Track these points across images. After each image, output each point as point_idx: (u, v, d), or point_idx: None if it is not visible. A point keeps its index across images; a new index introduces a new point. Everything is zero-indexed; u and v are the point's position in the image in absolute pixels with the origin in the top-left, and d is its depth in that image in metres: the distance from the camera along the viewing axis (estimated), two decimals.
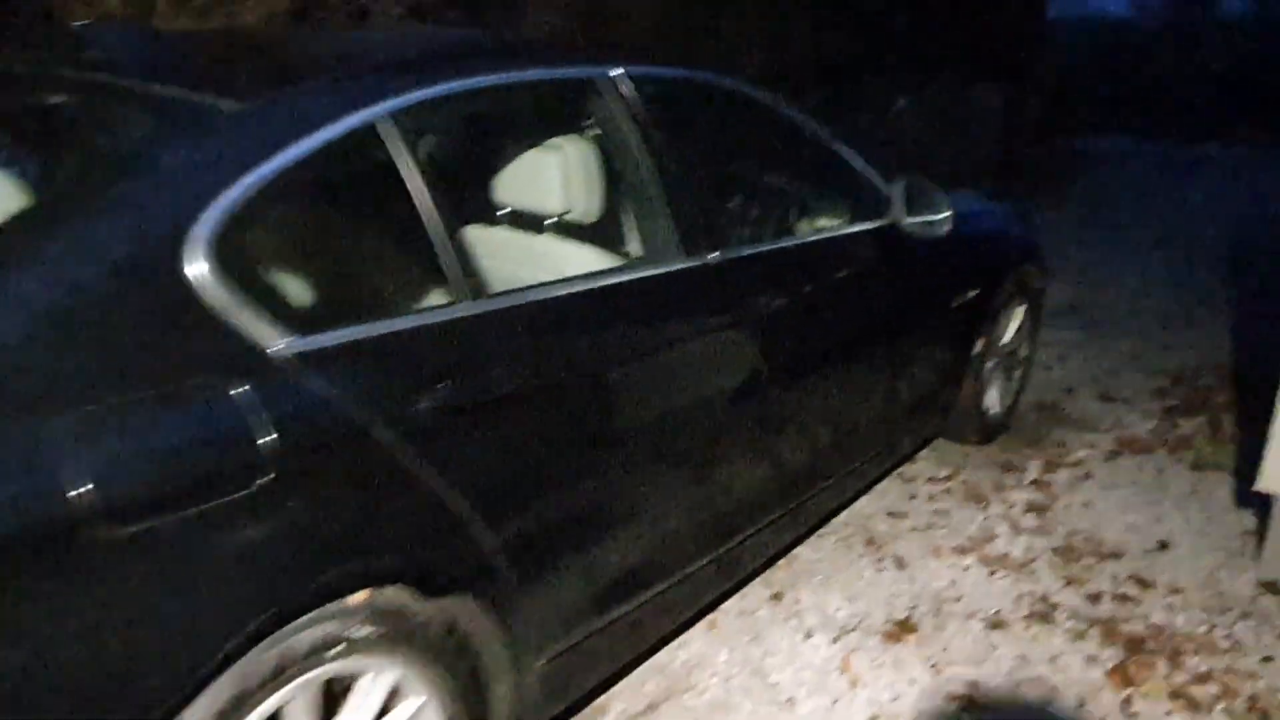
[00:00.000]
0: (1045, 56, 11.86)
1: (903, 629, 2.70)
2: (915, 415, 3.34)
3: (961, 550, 3.10)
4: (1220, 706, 2.43)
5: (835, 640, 2.66)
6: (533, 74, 2.08)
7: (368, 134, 1.67)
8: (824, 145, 2.81)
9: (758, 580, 2.89)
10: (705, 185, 2.36)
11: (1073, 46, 15.93)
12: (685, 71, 2.45)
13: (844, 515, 3.29)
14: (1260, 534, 3.07)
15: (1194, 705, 2.44)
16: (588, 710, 2.36)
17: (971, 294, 3.37)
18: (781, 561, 3.00)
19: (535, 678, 1.92)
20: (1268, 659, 2.60)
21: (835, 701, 2.43)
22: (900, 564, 3.02)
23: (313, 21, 4.27)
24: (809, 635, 2.68)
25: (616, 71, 2.20)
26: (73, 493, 1.24)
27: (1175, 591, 2.89)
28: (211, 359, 1.41)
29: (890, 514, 3.33)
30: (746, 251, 2.43)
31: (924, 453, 3.75)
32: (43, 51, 2.07)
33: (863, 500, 3.39)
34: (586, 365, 1.96)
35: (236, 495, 1.39)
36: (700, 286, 2.25)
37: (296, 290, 1.64)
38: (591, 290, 2.00)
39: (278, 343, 1.47)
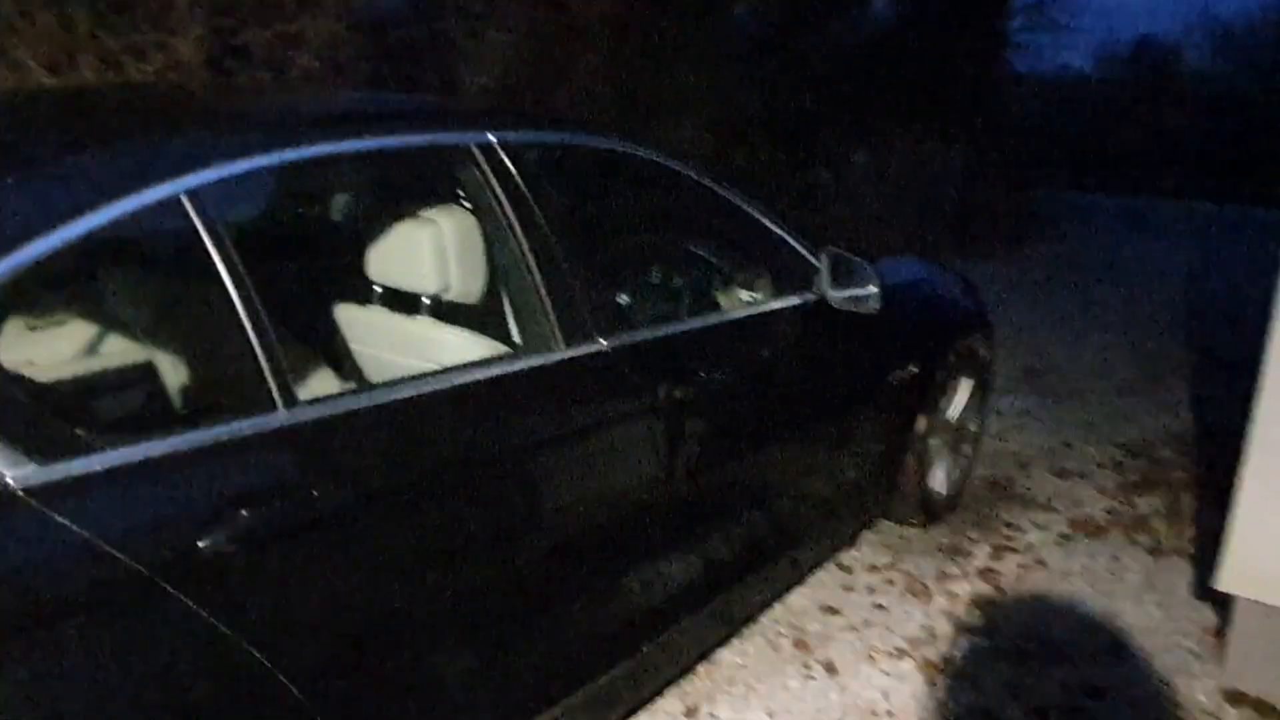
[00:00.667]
0: (1006, 112, 11.87)
1: None
2: (851, 500, 3.10)
3: (899, 653, 2.83)
4: None
5: None
6: (390, 141, 1.83)
7: (166, 212, 1.42)
8: (743, 214, 2.58)
9: (671, 691, 2.60)
10: (596, 264, 2.12)
11: (1036, 102, 16.07)
12: (573, 136, 2.22)
13: (777, 609, 3.02)
14: (1221, 634, 2.83)
15: None
16: None
17: (911, 368, 3.14)
18: (701, 667, 2.71)
19: None
20: None
21: None
22: (831, 669, 2.75)
23: (222, 74, 4.04)
24: None
25: (487, 138, 1.96)
26: None
27: (1131, 704, 2.63)
28: None
29: (824, 609, 3.06)
30: (644, 336, 2.19)
31: (867, 535, 3.49)
32: None
33: (797, 593, 3.12)
34: (435, 476, 1.69)
35: None
36: (584, 377, 2.00)
37: (44, 404, 1.37)
38: (441, 391, 1.73)
39: (12, 472, 1.20)
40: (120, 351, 1.61)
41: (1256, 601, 2.60)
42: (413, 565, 1.65)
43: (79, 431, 1.27)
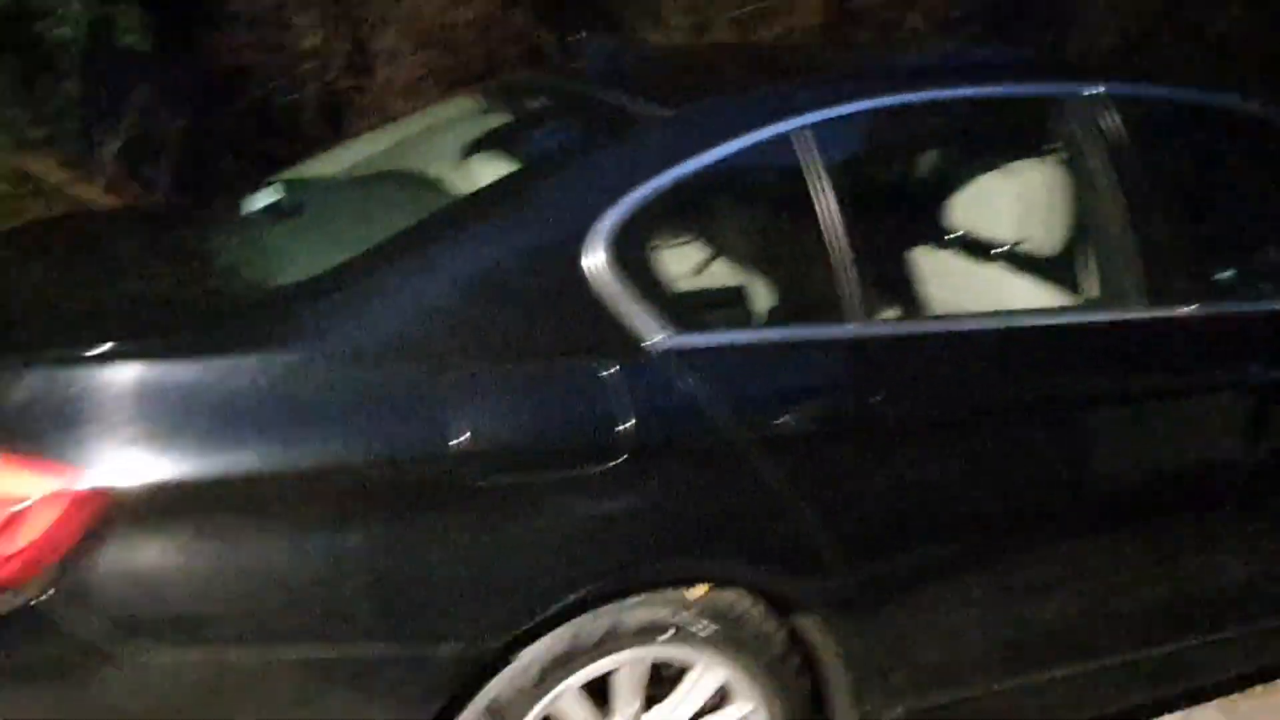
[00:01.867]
0: None
1: None
2: None
3: None
4: None
5: None
6: (988, 90, 1.94)
7: (780, 146, 1.69)
8: None
9: (1214, 704, 2.39)
10: (1194, 227, 2.00)
11: None
12: (1190, 92, 2.09)
13: None
14: None
15: None
16: None
17: None
18: (1257, 689, 2.44)
19: None
20: None
21: None
22: None
23: (838, 35, 4.39)
24: None
25: (1093, 90, 1.95)
26: (455, 440, 1.44)
27: None
28: (593, 343, 1.55)
29: None
30: (1242, 309, 2.02)
31: None
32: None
33: None
34: (995, 408, 1.79)
35: (592, 470, 1.51)
36: (1163, 340, 1.93)
37: (682, 289, 1.72)
38: (1008, 329, 1.81)
39: (655, 336, 1.57)
40: (744, 253, 1.95)
41: None
42: (950, 484, 1.77)
43: (707, 313, 1.60)
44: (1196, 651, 2.14)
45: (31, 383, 1.38)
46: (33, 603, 1.35)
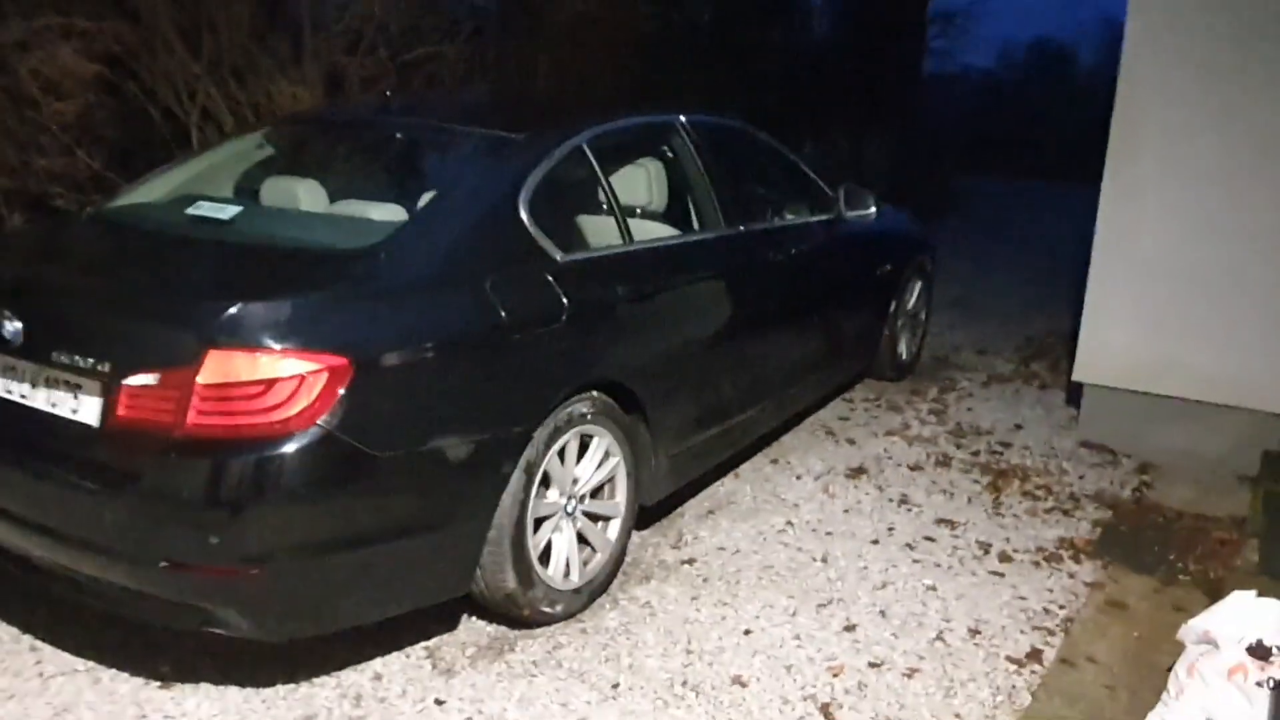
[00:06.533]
0: (922, 109, 13.94)
1: (858, 473, 4.20)
2: (857, 350, 4.88)
3: (890, 433, 4.64)
4: (1050, 500, 4.00)
5: (817, 479, 4.14)
6: (639, 119, 3.58)
7: (578, 152, 3.13)
8: (795, 165, 4.38)
9: (759, 454, 4.35)
10: (733, 186, 3.85)
11: (948, 98, 18.27)
12: (718, 117, 3.98)
13: (808, 420, 4.78)
14: (1078, 414, 4.70)
15: (1035, 498, 4.00)
16: (671, 514, 3.76)
17: (888, 268, 4.95)
18: (774, 443, 4.46)
19: (663, 465, 3.34)
20: (1081, 477, 4.20)
21: (823, 505, 3.91)
22: (852, 442, 4.53)
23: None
24: (799, 477, 4.15)
25: (682, 118, 3.70)
26: (497, 315, 2.64)
27: (1026, 448, 4.49)
28: (535, 261, 2.83)
29: (840, 418, 4.85)
30: (758, 226, 3.95)
31: (858, 387, 5.28)
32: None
33: (819, 412, 4.89)
34: (682, 282, 3.43)
35: (553, 326, 2.80)
36: (736, 245, 3.75)
37: (562, 230, 3.04)
38: (686, 243, 3.49)
39: (559, 255, 2.90)
40: (582, 210, 3.29)
41: (1095, 385, 4.48)
42: (669, 322, 3.35)
43: (574, 242, 2.98)
44: (771, 406, 4.02)
45: (288, 308, 2.28)
46: (317, 435, 2.26)
